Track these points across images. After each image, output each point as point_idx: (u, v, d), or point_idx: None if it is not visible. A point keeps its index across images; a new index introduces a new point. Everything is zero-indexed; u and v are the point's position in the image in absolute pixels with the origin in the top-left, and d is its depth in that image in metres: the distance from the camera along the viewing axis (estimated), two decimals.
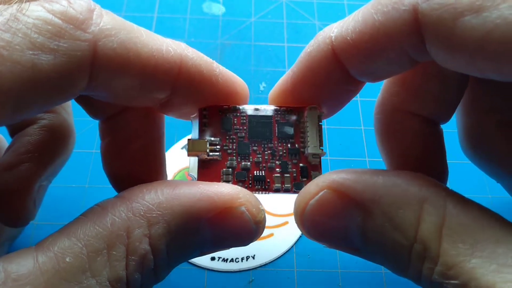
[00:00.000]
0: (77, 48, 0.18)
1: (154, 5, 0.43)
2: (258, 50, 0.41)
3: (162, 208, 0.19)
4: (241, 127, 0.23)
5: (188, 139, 0.22)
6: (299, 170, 0.22)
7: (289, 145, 0.23)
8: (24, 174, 0.23)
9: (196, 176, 0.22)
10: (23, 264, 0.17)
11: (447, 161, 0.25)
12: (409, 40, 0.19)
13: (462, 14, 0.16)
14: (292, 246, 0.31)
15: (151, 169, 0.24)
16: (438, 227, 0.17)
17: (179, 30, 0.41)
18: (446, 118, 0.24)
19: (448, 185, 0.24)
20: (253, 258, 0.31)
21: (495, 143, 0.23)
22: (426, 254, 0.17)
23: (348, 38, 0.20)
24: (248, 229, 0.20)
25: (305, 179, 0.22)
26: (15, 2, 0.17)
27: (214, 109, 0.23)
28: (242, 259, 0.30)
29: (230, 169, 0.22)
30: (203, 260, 0.30)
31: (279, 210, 0.33)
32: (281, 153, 0.22)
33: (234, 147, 0.22)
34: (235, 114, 0.23)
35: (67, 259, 0.17)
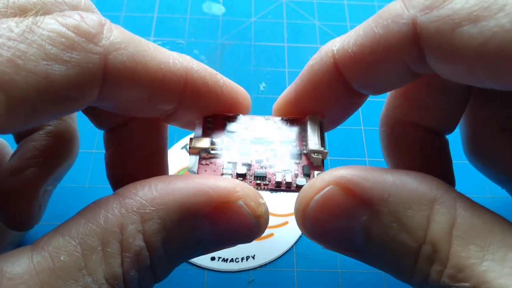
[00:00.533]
0: (89, 60, 0.18)
1: (154, 5, 0.43)
2: (258, 50, 0.41)
3: (156, 203, 0.19)
4: (244, 132, 0.23)
5: (191, 138, 0.23)
6: (301, 170, 0.22)
7: (291, 148, 0.23)
8: (30, 178, 0.23)
9: (195, 171, 0.22)
10: (18, 264, 0.17)
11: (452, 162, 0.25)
12: (409, 53, 0.19)
13: (460, 24, 0.17)
14: (292, 246, 0.31)
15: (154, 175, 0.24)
16: (449, 228, 0.17)
17: (179, 30, 0.41)
18: (451, 129, 0.24)
19: None
20: (253, 258, 0.31)
21: (498, 150, 0.23)
22: (435, 256, 0.17)
23: (350, 51, 0.20)
24: (248, 224, 0.20)
25: (307, 177, 0.22)
26: (31, 15, 0.18)
27: (219, 117, 0.23)
28: (242, 259, 0.30)
29: (231, 164, 0.22)
30: (203, 260, 0.30)
31: (279, 210, 0.33)
32: (282, 153, 0.23)
33: (236, 146, 0.23)
34: (238, 122, 0.23)
35: (62, 258, 0.17)
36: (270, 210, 0.33)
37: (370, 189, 0.18)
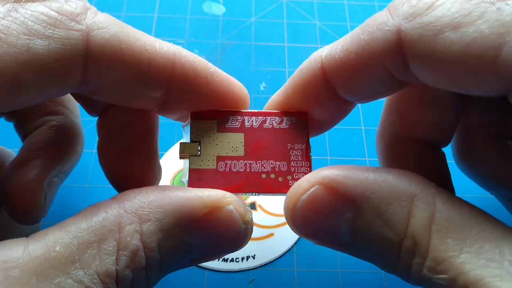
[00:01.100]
0: (71, 36, 0.19)
1: (154, 5, 0.43)
2: (258, 50, 0.41)
3: (153, 206, 0.19)
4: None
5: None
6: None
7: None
8: (34, 169, 0.23)
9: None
10: (14, 249, 0.17)
11: (448, 161, 0.25)
12: (392, 59, 0.19)
13: (442, 30, 0.17)
14: (292, 246, 0.31)
15: (143, 161, 0.24)
16: (428, 223, 0.18)
17: (179, 30, 0.42)
18: (446, 142, 0.25)
19: None
20: (253, 258, 0.31)
21: (486, 156, 0.24)
22: (416, 249, 0.18)
23: (336, 56, 0.21)
24: (237, 228, 0.21)
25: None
26: (13, 2, 0.18)
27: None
28: (242, 259, 0.31)
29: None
30: None
31: (279, 210, 0.33)
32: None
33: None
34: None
35: (57, 248, 0.17)
36: (270, 210, 0.33)
37: (353, 187, 0.19)
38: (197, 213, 0.20)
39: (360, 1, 0.44)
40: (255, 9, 0.43)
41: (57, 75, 0.19)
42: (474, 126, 0.24)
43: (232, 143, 0.23)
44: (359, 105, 0.37)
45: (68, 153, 0.25)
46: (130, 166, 0.24)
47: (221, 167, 0.22)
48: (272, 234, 0.32)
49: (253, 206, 0.33)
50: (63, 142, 0.25)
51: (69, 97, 0.27)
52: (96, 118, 0.25)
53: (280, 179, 0.22)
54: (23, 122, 0.26)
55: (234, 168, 0.22)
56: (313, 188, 0.19)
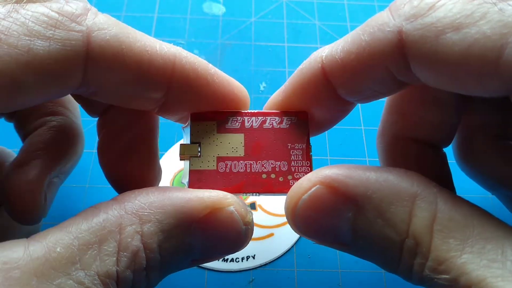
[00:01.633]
0: (71, 37, 0.19)
1: (154, 5, 0.43)
2: (258, 50, 0.41)
3: (154, 207, 0.19)
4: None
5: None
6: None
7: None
8: (34, 169, 0.23)
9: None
10: (14, 250, 0.17)
11: (448, 160, 0.25)
12: (393, 60, 0.19)
13: (443, 31, 0.17)
14: (292, 246, 0.31)
15: (143, 162, 0.24)
16: (430, 222, 0.18)
17: (179, 30, 0.42)
18: (447, 142, 0.25)
19: None
20: (253, 258, 0.31)
21: (487, 157, 0.24)
22: (418, 249, 0.18)
23: (337, 57, 0.21)
24: (237, 229, 0.20)
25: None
26: (13, 3, 0.18)
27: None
28: (242, 259, 0.31)
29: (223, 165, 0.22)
30: None
31: (279, 210, 0.33)
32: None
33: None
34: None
35: (58, 249, 0.17)
36: (270, 210, 0.33)
37: (354, 186, 0.19)
38: (198, 214, 0.20)
39: (360, 1, 0.44)
40: (255, 9, 0.43)
41: (57, 76, 0.19)
42: (475, 126, 0.24)
43: (232, 144, 0.23)
44: (359, 105, 0.38)
45: (68, 153, 0.25)
46: (130, 167, 0.24)
47: (221, 168, 0.22)
48: (272, 234, 0.32)
49: (253, 206, 0.33)
50: (63, 143, 0.25)
51: (69, 98, 0.27)
52: (96, 119, 0.25)
53: (280, 179, 0.22)
54: (23, 122, 0.26)
55: (234, 168, 0.22)
56: (314, 188, 0.19)
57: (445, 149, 0.25)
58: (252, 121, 0.23)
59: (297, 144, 0.23)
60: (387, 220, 0.18)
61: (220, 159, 0.22)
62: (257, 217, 0.32)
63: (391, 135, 0.25)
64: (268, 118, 0.23)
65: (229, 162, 0.22)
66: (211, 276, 0.30)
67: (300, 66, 0.23)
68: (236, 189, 0.22)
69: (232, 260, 0.30)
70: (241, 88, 0.23)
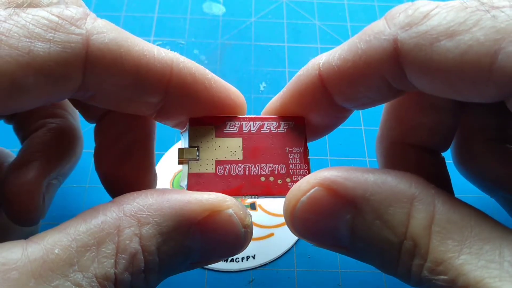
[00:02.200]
0: (71, 40, 0.19)
1: (154, 5, 0.43)
2: (258, 50, 0.41)
3: (153, 209, 0.19)
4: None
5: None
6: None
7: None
8: (32, 171, 0.23)
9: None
10: (13, 251, 0.17)
11: (447, 161, 0.25)
12: (389, 68, 0.19)
13: (437, 39, 0.17)
14: (292, 246, 0.31)
15: (139, 168, 0.25)
16: (428, 224, 0.18)
17: (179, 30, 0.42)
18: (445, 147, 0.25)
19: None
20: (253, 258, 0.31)
21: (484, 160, 0.24)
22: (416, 251, 0.18)
23: (334, 64, 0.21)
24: (236, 232, 0.21)
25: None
26: (14, 6, 0.19)
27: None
28: (243, 259, 0.31)
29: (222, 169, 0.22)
30: None
31: (279, 210, 0.33)
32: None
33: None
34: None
35: (56, 251, 0.17)
36: (270, 210, 0.33)
37: (353, 189, 0.19)
38: (196, 216, 0.20)
39: (360, 1, 0.44)
40: (255, 9, 0.43)
41: (57, 78, 0.19)
42: (473, 130, 0.25)
43: (230, 148, 0.23)
44: None
45: (67, 155, 0.26)
46: (126, 173, 0.24)
47: (220, 171, 0.22)
48: (272, 234, 0.32)
49: (253, 206, 0.33)
50: (62, 145, 0.25)
51: (68, 100, 0.27)
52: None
53: (279, 181, 0.22)
54: (22, 124, 0.26)
55: (233, 171, 0.22)
56: (313, 190, 0.19)
57: (443, 153, 0.25)
58: (250, 125, 0.23)
59: (295, 147, 0.23)
60: (386, 222, 0.18)
61: (218, 162, 0.22)
62: (257, 217, 0.32)
63: (390, 141, 0.25)
64: (266, 123, 0.23)
65: (227, 166, 0.22)
66: (211, 276, 0.30)
67: (298, 73, 0.23)
68: (235, 192, 0.22)
69: (232, 260, 0.30)
70: (238, 93, 0.24)
